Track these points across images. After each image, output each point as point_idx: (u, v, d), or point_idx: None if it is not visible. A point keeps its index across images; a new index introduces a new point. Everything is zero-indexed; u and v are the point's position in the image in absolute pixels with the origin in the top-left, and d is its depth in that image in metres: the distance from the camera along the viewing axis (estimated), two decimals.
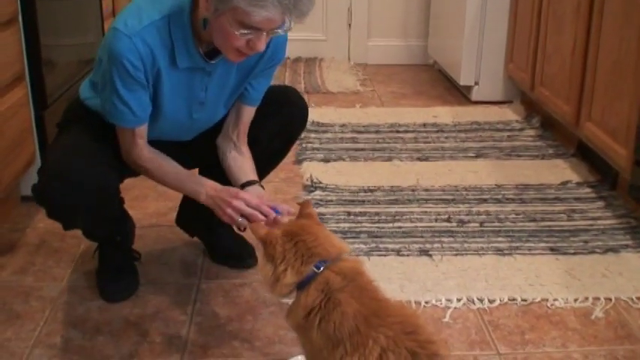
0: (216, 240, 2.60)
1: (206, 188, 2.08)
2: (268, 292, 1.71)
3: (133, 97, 2.01)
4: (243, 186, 2.16)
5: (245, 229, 2.41)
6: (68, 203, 2.05)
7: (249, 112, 2.27)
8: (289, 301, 1.70)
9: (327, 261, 1.62)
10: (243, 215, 1.99)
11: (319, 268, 1.61)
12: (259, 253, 1.71)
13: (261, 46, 1.90)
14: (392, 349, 1.46)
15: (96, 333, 2.20)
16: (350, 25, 5.47)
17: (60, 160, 2.10)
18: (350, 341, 1.49)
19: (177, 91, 2.09)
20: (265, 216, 1.97)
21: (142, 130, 2.10)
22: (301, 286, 1.61)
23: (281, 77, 4.87)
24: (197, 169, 2.43)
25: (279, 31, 1.90)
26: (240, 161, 2.24)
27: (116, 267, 2.43)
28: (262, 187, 2.19)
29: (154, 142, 2.15)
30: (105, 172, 2.09)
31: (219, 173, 2.34)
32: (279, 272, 1.63)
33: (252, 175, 2.20)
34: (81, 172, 2.05)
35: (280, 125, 2.35)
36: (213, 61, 2.06)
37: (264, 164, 2.33)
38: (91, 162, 2.08)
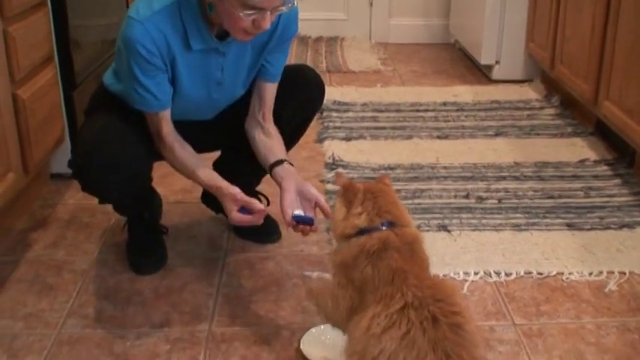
0: None
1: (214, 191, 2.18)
2: (332, 231, 1.82)
3: (153, 83, 2.08)
4: (272, 167, 2.22)
5: (269, 204, 2.49)
6: (104, 176, 2.13)
7: (270, 90, 2.32)
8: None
9: (396, 224, 1.72)
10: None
11: (385, 227, 1.71)
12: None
13: (266, 24, 1.95)
14: (415, 307, 1.53)
15: (127, 304, 2.29)
16: (371, 3, 5.50)
17: (96, 135, 2.17)
18: (382, 291, 1.59)
19: (194, 73, 2.15)
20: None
21: (167, 114, 2.17)
22: (364, 232, 1.70)
23: (303, 57, 4.92)
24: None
25: (283, 8, 1.96)
26: (269, 143, 2.29)
27: (145, 241, 2.52)
28: (291, 164, 2.24)
29: (177, 123, 2.21)
30: (139, 147, 2.17)
31: (242, 153, 2.41)
32: (354, 213, 1.73)
33: (280, 154, 2.25)
34: (117, 146, 2.13)
35: (298, 102, 2.41)
36: (224, 42, 2.11)
37: (286, 141, 2.38)
38: (126, 137, 2.15)
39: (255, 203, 2.10)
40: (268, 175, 2.63)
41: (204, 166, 2.22)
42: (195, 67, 2.14)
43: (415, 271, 1.63)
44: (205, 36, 2.08)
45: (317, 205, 2.12)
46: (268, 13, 1.92)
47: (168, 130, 2.18)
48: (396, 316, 1.53)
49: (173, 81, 2.14)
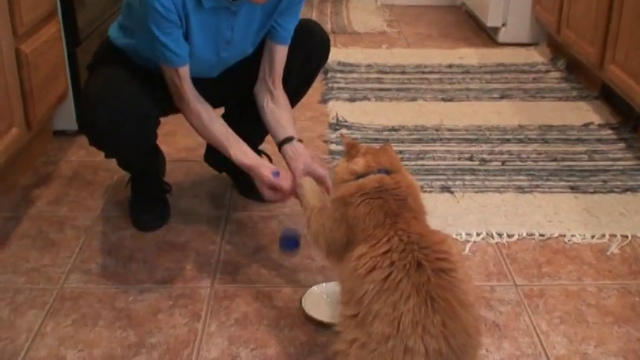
0: (244, 175, 2.66)
1: (243, 164, 2.19)
2: (332, 176, 1.86)
3: (171, 39, 2.05)
4: (281, 143, 2.23)
5: (270, 163, 2.49)
6: (111, 130, 2.12)
7: (280, 52, 2.29)
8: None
9: (392, 172, 1.76)
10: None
11: (382, 173, 1.74)
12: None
13: None
14: (399, 251, 1.55)
15: (129, 260, 2.29)
16: None
17: (103, 88, 2.16)
18: (371, 232, 1.62)
19: (204, 32, 2.13)
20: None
21: (186, 71, 2.14)
22: (361, 177, 1.75)
23: (308, 17, 4.87)
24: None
25: None
26: (278, 115, 2.29)
27: (148, 198, 2.52)
28: (300, 141, 2.24)
29: None
30: (146, 101, 2.16)
31: (246, 112, 2.40)
32: (354, 161, 1.78)
33: (290, 130, 2.25)
34: (124, 99, 2.12)
35: (304, 56, 2.38)
36: (237, 1, 2.08)
37: (292, 96, 2.37)
38: (133, 91, 2.14)
39: (282, 185, 2.12)
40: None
41: (236, 140, 2.20)
42: (206, 25, 2.11)
43: (406, 217, 1.65)
44: None
45: (322, 183, 2.14)
46: None
47: (191, 95, 2.17)
48: (380, 259, 1.55)
49: (186, 38, 2.12)
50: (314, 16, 5.05)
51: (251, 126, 2.49)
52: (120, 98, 2.12)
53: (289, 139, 2.23)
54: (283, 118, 2.29)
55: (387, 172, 1.75)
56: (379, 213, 1.64)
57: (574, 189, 2.69)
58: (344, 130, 3.16)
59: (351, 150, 1.82)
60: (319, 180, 2.15)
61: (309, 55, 2.41)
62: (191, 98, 2.17)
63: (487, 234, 2.42)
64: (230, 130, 2.22)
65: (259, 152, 2.66)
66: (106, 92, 2.14)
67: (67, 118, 3.06)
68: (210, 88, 2.34)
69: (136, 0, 2.05)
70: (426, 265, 1.53)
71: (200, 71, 2.27)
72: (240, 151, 2.19)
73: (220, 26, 2.14)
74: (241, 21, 2.16)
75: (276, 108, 2.30)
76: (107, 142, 2.22)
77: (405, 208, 1.67)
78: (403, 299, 1.49)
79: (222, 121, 2.24)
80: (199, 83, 2.26)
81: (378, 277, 1.53)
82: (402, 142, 3.06)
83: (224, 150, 2.20)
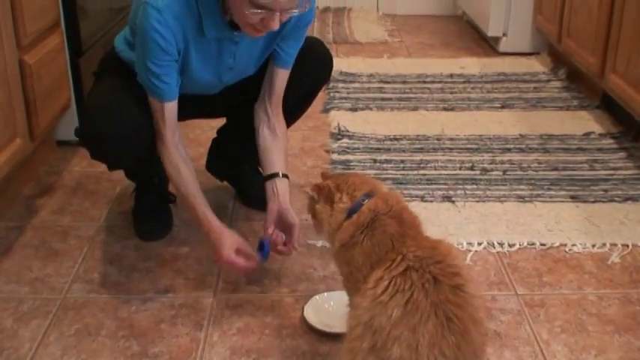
0: (246, 184, 2.67)
1: (209, 225, 2.14)
2: (326, 228, 1.78)
3: (164, 72, 2.03)
4: (266, 178, 2.22)
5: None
6: (114, 143, 2.12)
7: (281, 76, 2.27)
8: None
9: (374, 193, 1.74)
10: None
11: (366, 199, 1.72)
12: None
13: (275, 25, 1.90)
14: (416, 269, 1.53)
15: (132, 270, 2.30)
16: None
17: (105, 101, 2.17)
18: (385, 257, 1.59)
19: (206, 60, 2.12)
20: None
21: (171, 109, 2.10)
22: (353, 211, 1.71)
23: (309, 28, 4.89)
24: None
25: (295, 11, 1.92)
26: (269, 144, 2.27)
27: (152, 207, 2.53)
28: (287, 176, 2.23)
29: (181, 96, 2.16)
30: (147, 113, 2.14)
31: (248, 123, 2.40)
32: (336, 200, 1.74)
33: (278, 165, 2.23)
34: (126, 112, 2.12)
35: (305, 74, 2.37)
36: (238, 32, 2.05)
37: (292, 112, 2.37)
38: (135, 104, 2.13)
39: (239, 264, 2.10)
40: None
41: (202, 197, 2.16)
42: (207, 53, 2.11)
43: (411, 234, 1.64)
44: (219, 25, 2.04)
45: (290, 232, 2.16)
46: (277, 14, 1.88)
47: (172, 144, 2.13)
48: (400, 280, 1.52)
49: (184, 66, 2.10)
50: (315, 26, 5.07)
51: (251, 138, 2.49)
52: (122, 113, 2.12)
53: (273, 176, 2.22)
54: (274, 149, 2.27)
55: (368, 194, 1.73)
56: (385, 240, 1.62)
57: (575, 198, 2.70)
58: (345, 140, 3.17)
59: (320, 192, 1.78)
60: (287, 229, 2.16)
61: (309, 73, 2.39)
62: (172, 150, 2.13)
63: (488, 243, 2.43)
64: (202, 194, 2.17)
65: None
66: (108, 106, 2.15)
67: (70, 128, 3.06)
68: (213, 100, 2.34)
69: (137, 28, 2.03)
70: (443, 280, 1.51)
71: (201, 91, 2.27)
72: (209, 211, 2.15)
73: (222, 54, 2.14)
74: (244, 48, 2.15)
75: (269, 136, 2.27)
76: (107, 154, 2.22)
77: (405, 224, 1.66)
78: (423, 321, 1.47)
79: (194, 180, 2.17)
80: (198, 99, 2.26)
81: (402, 300, 1.50)
82: (404, 152, 3.07)
83: (190, 205, 2.15)
